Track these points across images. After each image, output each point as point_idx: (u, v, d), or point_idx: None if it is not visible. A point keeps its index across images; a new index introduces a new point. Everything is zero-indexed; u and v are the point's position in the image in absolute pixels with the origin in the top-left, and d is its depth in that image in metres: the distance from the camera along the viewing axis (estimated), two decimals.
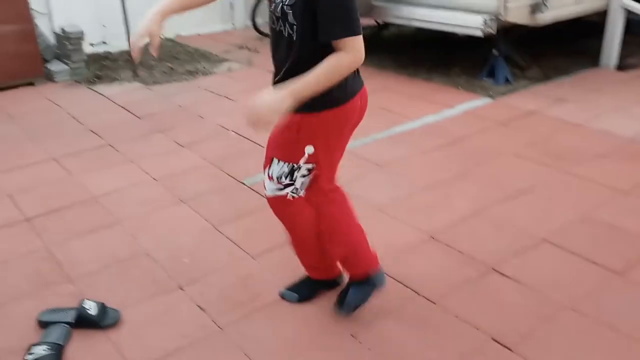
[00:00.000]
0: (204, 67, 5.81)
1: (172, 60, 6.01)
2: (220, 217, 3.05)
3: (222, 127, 4.27)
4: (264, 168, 2.16)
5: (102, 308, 2.37)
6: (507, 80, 4.96)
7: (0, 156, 3.89)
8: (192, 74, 5.64)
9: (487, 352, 2.11)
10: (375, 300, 2.31)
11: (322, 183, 2.17)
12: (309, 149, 2.03)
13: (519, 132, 4.03)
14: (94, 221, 3.06)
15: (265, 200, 2.21)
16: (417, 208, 3.09)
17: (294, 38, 1.87)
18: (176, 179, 3.49)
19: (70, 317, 2.33)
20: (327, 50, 1.82)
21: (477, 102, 4.60)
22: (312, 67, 1.81)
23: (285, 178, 2.09)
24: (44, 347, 2.17)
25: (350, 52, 1.81)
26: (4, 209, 3.21)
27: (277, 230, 2.42)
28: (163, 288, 2.53)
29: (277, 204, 2.20)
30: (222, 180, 3.46)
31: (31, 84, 5.38)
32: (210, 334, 2.26)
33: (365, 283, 2.31)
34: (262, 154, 2.18)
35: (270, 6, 1.92)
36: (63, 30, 5.67)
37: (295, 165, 2.06)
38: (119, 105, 4.84)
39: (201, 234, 2.92)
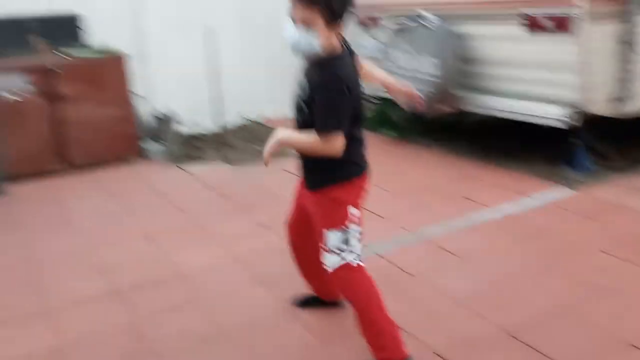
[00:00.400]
0: (289, 150, 6.02)
1: (258, 142, 6.27)
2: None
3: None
4: (320, 248, 2.38)
5: None
6: (589, 170, 4.85)
7: (99, 230, 4.17)
8: (277, 155, 5.84)
9: None
10: None
11: None
12: (351, 209, 2.31)
13: (604, 226, 3.91)
14: (177, 298, 3.19)
15: None
16: (496, 303, 3.03)
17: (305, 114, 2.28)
18: (255, 259, 3.60)
19: None
20: None
21: (558, 193, 4.51)
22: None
23: (343, 244, 2.30)
24: None
25: (323, 143, 2.19)
26: (96, 281, 3.41)
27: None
28: None
29: (343, 276, 2.35)
30: None
31: (126, 161, 5.76)
32: None
33: None
34: None
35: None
36: (159, 113, 6.10)
37: (346, 228, 2.30)
38: (206, 184, 5.09)
39: (276, 315, 2.98)
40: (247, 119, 6.93)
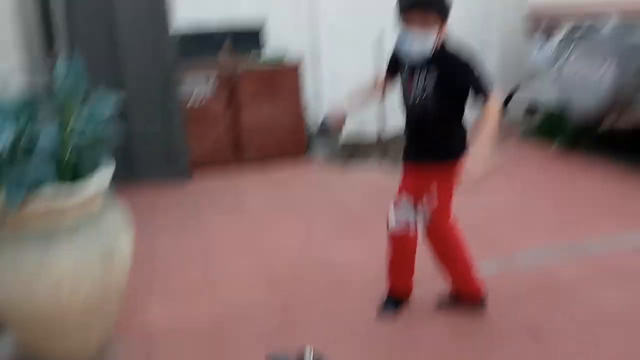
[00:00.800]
0: None
1: None
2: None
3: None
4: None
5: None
6: None
7: (266, 217, 4.56)
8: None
9: None
10: None
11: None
12: None
13: None
14: (324, 284, 3.40)
15: None
16: None
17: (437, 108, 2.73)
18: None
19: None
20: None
21: None
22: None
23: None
24: None
25: (494, 105, 2.56)
26: (256, 263, 3.74)
27: None
28: None
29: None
30: None
31: (293, 161, 6.16)
32: None
33: None
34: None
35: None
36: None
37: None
38: (366, 185, 5.30)
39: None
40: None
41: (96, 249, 2.52)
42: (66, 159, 2.50)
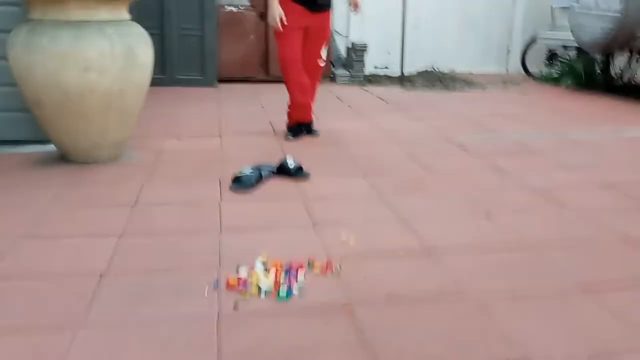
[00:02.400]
0: (461, 86, 6.34)
1: (436, 82, 6.67)
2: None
3: (456, 112, 4.73)
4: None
5: (299, 166, 3.00)
6: None
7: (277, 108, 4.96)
8: (449, 88, 6.22)
9: None
10: None
11: None
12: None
13: None
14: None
15: None
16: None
17: None
18: (402, 134, 4.06)
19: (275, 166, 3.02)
20: None
21: None
22: None
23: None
24: (249, 168, 2.88)
25: None
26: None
27: None
28: None
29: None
30: (443, 143, 3.92)
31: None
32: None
33: None
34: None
35: None
36: (352, 44, 6.81)
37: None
38: (376, 96, 5.65)
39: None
40: (432, 68, 7.31)
41: (119, 46, 2.94)
42: None
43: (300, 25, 3.65)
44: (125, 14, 3.11)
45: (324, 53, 3.79)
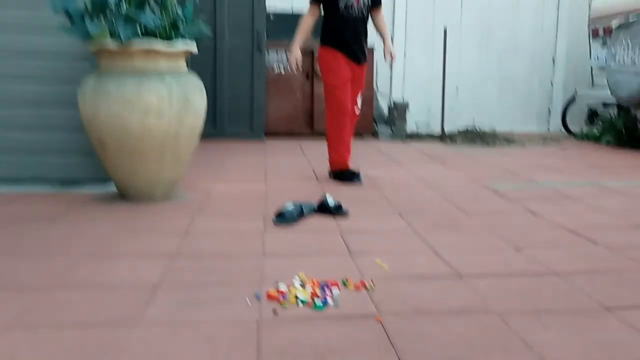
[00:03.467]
0: (501, 143, 6.48)
1: (476, 139, 6.82)
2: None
3: (494, 164, 4.86)
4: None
5: (339, 205, 3.18)
6: None
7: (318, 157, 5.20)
8: (488, 144, 6.36)
9: None
10: None
11: None
12: None
13: None
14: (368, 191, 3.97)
15: None
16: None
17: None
18: (439, 181, 4.22)
19: (315, 205, 3.21)
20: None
21: None
22: None
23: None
24: (291, 204, 3.08)
25: None
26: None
27: None
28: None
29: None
30: (479, 190, 4.06)
31: (360, 135, 6.79)
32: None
33: None
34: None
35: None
36: (394, 103, 7.07)
37: None
38: (417, 149, 5.84)
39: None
40: (473, 127, 7.49)
41: (176, 93, 3.24)
42: (167, 22, 3.27)
43: (348, 75, 4.02)
44: (183, 65, 3.43)
45: (359, 101, 4.17)
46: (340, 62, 3.96)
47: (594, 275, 2.26)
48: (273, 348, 1.62)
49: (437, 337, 1.70)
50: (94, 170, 3.72)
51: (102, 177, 3.67)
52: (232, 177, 4.21)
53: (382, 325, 1.77)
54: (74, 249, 2.47)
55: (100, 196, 3.51)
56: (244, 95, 6.33)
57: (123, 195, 3.48)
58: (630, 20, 5.56)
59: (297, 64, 4.05)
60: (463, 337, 1.71)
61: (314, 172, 4.42)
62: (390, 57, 4.11)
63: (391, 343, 1.66)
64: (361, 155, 5.25)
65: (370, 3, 4.01)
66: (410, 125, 7.24)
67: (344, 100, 3.97)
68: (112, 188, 3.63)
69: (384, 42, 4.15)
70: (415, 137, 6.93)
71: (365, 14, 4.02)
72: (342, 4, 3.91)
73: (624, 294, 2.06)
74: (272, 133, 6.53)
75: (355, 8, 3.94)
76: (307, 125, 6.72)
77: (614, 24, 5.95)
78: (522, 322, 1.81)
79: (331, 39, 3.98)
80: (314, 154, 5.26)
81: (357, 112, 4.19)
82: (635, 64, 5.38)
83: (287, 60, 4.10)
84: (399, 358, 1.58)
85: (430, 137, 7.01)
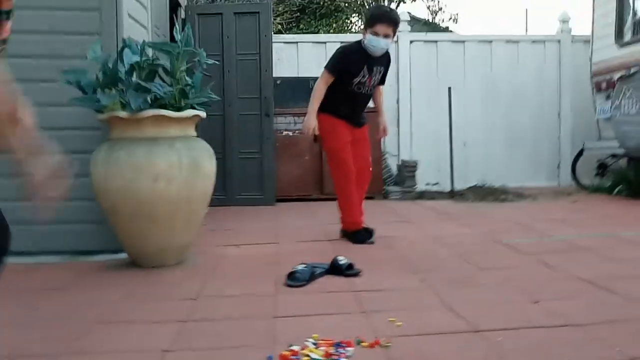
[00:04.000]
0: (511, 198, 6.45)
1: (487, 195, 6.80)
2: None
3: (506, 219, 4.83)
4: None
5: (350, 264, 3.16)
6: None
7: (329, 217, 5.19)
8: (499, 200, 6.34)
9: None
10: None
11: None
12: None
13: None
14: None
15: None
16: None
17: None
18: (451, 238, 4.20)
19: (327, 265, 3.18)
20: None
21: None
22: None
23: None
24: (303, 265, 3.06)
25: None
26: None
27: None
28: None
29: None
30: (492, 245, 4.03)
31: (372, 197, 6.78)
32: None
33: None
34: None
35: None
36: (403, 162, 7.12)
37: None
38: (427, 208, 5.84)
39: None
40: (483, 183, 7.49)
41: (186, 158, 3.29)
42: (176, 90, 3.36)
43: (349, 140, 4.08)
44: (192, 131, 3.50)
45: (370, 160, 4.28)
46: (339, 126, 4.07)
47: (614, 325, 2.20)
48: None
49: None
50: (106, 241, 3.72)
51: (114, 247, 3.67)
52: (244, 241, 4.20)
53: None
54: (84, 317, 2.45)
55: (112, 264, 3.50)
56: (254, 160, 6.40)
57: (135, 263, 3.47)
58: (632, 71, 5.64)
59: (313, 133, 4.12)
60: None
61: (326, 234, 4.40)
62: (383, 133, 4.37)
63: None
64: (372, 215, 5.21)
65: (379, 82, 4.20)
66: (420, 185, 7.25)
67: (347, 161, 4.04)
68: (123, 256, 3.63)
69: (378, 116, 4.35)
70: (426, 195, 6.93)
71: (372, 92, 4.21)
72: (355, 81, 4.03)
73: None
74: (283, 197, 6.55)
75: (366, 86, 4.10)
76: (317, 187, 6.75)
77: (616, 76, 6.03)
78: None
79: (332, 109, 4.05)
80: (325, 216, 5.24)
81: (370, 168, 4.30)
82: None
83: (303, 128, 4.20)
84: None
85: (440, 194, 7.00)
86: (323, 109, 4.05)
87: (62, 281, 3.09)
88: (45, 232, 3.73)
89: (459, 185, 7.15)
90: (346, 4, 14.02)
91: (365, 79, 4.07)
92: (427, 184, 7.56)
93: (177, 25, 3.66)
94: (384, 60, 4.16)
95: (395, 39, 4.19)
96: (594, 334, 2.10)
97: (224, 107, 6.31)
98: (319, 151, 6.68)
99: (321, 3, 13.44)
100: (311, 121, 4.04)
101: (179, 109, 3.37)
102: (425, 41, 7.81)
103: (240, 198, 6.35)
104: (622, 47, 6.31)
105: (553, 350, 1.95)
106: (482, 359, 1.90)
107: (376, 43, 3.95)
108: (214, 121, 6.20)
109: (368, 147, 4.26)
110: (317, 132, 4.09)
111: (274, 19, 12.33)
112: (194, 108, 3.44)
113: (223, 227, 4.80)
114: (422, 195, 6.87)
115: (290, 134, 6.69)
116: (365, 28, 4.07)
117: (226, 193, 6.30)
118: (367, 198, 6.55)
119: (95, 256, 3.70)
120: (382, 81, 4.25)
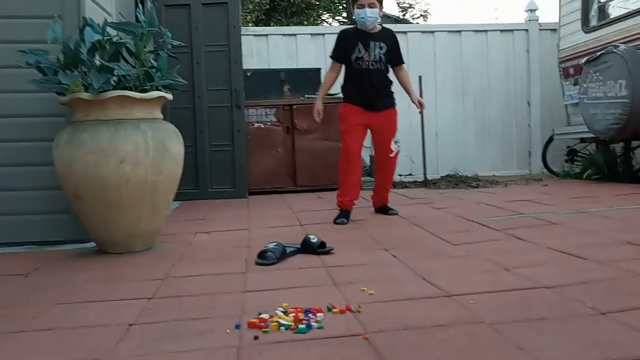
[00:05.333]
0: (483, 185, 6.48)
1: (459, 182, 6.83)
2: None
3: (478, 201, 4.83)
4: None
5: (322, 242, 3.11)
6: None
7: (302, 207, 5.14)
8: (471, 186, 6.36)
9: None
10: None
11: None
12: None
13: None
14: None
15: None
16: None
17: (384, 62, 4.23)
18: (423, 219, 4.19)
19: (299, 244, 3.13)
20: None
21: None
22: None
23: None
24: (274, 244, 3.00)
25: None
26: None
27: None
28: None
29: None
30: (464, 223, 4.02)
31: None
32: None
33: None
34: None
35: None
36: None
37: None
38: (400, 194, 5.82)
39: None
40: (455, 173, 7.52)
41: (152, 141, 3.21)
42: (141, 72, 3.28)
43: (359, 122, 4.16)
44: (158, 114, 3.42)
45: (393, 146, 4.30)
46: (351, 111, 4.19)
47: (586, 285, 2.19)
48: None
49: (428, 349, 1.61)
50: (73, 230, 3.63)
51: (82, 237, 3.57)
52: (214, 228, 4.12)
53: (370, 342, 1.68)
54: (45, 298, 2.36)
55: (77, 252, 3.41)
56: (225, 153, 6.31)
57: (101, 250, 3.38)
58: (598, 54, 5.70)
59: (319, 116, 4.26)
60: (455, 346, 1.62)
61: (298, 220, 4.34)
62: (419, 106, 4.42)
63: (380, 357, 1.57)
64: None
65: (384, 58, 4.15)
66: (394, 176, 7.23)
67: (348, 142, 4.14)
68: (91, 245, 3.54)
69: (410, 96, 4.38)
70: (399, 185, 6.92)
71: (381, 67, 4.16)
72: (352, 57, 4.13)
73: (620, 299, 1.99)
74: (256, 190, 6.48)
75: (366, 61, 4.11)
76: (291, 179, 6.68)
77: (583, 61, 6.10)
78: (514, 330, 1.73)
79: (348, 96, 4.25)
80: (299, 207, 5.19)
81: (392, 155, 4.31)
82: (607, 96, 5.48)
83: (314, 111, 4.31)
84: None
85: (413, 183, 7.01)
86: (343, 97, 4.31)
87: (23, 268, 2.98)
88: (10, 222, 3.63)
89: (432, 176, 7.17)
90: (317, 1, 14.01)
91: (362, 54, 4.11)
92: (400, 175, 7.56)
93: (139, 7, 3.57)
94: (384, 36, 4.18)
95: (382, 10, 4.18)
96: (566, 294, 2.09)
97: (193, 99, 6.23)
98: (292, 143, 6.63)
99: (292, 1, 13.41)
100: (317, 105, 4.27)
101: (144, 92, 3.30)
102: (396, 32, 7.78)
103: (212, 192, 6.26)
104: (588, 32, 6.38)
105: (525, 310, 1.93)
106: (454, 319, 1.87)
107: (362, 14, 4.03)
108: (184, 113, 6.12)
109: (389, 136, 4.26)
110: (321, 116, 4.25)
111: (244, 18, 12.25)
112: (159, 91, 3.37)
113: (194, 218, 4.72)
114: (396, 185, 6.85)
115: (262, 126, 6.61)
116: (352, 6, 4.18)
117: (198, 187, 6.22)
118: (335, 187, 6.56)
119: (62, 246, 3.60)
120: (393, 59, 4.23)
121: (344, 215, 4.15)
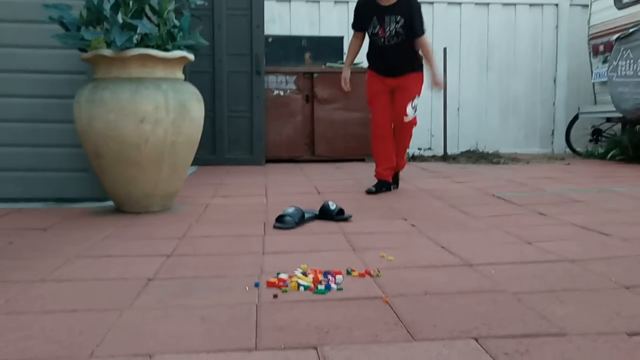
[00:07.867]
0: (504, 161, 6.40)
1: (480, 159, 6.74)
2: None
3: (499, 177, 4.77)
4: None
5: (341, 209, 3.09)
6: None
7: (320, 177, 5.10)
8: (492, 162, 6.28)
9: None
10: None
11: None
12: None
13: None
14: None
15: None
16: None
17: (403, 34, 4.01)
18: (443, 192, 4.13)
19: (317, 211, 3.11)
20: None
21: None
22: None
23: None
24: (293, 208, 2.98)
25: (427, 39, 4.07)
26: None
27: None
28: None
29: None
30: (484, 197, 3.96)
31: (362, 160, 6.70)
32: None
33: None
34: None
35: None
36: None
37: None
38: (420, 168, 5.76)
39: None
40: (476, 148, 7.44)
41: (173, 101, 3.18)
42: (163, 32, 3.24)
43: (381, 89, 4.12)
44: (179, 74, 3.39)
45: (409, 110, 4.06)
46: (371, 78, 4.19)
47: (610, 260, 2.15)
48: (272, 325, 1.51)
49: (448, 313, 1.59)
50: (92, 189, 3.65)
51: (100, 195, 3.59)
52: (232, 193, 4.12)
53: (390, 305, 1.66)
54: (65, 252, 2.37)
55: (96, 210, 3.42)
56: (243, 119, 6.29)
57: (119, 209, 3.39)
58: (631, 31, 5.54)
59: (346, 84, 4.23)
60: (476, 312, 1.59)
61: (316, 189, 4.32)
62: (436, 86, 4.08)
63: (399, 319, 1.55)
64: (364, 176, 5.16)
65: (402, 31, 3.94)
66: (413, 150, 7.18)
67: (374, 113, 4.16)
68: (110, 204, 3.55)
69: (429, 69, 4.11)
70: (419, 158, 6.86)
71: (397, 41, 3.98)
72: (369, 31, 4.07)
73: None
74: (273, 158, 6.46)
75: (381, 37, 4.00)
76: (309, 149, 6.65)
77: (614, 38, 5.94)
78: (537, 299, 1.70)
79: (369, 58, 4.21)
80: (316, 175, 5.17)
81: (406, 120, 4.08)
82: (638, 74, 5.34)
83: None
84: (407, 331, 1.47)
85: (433, 157, 6.95)
86: (368, 64, 4.26)
87: (43, 223, 3.00)
88: (29, 179, 3.65)
89: (452, 151, 7.09)
90: None
91: (377, 29, 3.99)
92: (420, 149, 7.50)
93: None
94: (401, 8, 3.92)
95: None
96: (589, 268, 2.05)
97: (213, 63, 6.18)
98: (311, 112, 6.58)
99: None
100: (344, 73, 4.26)
101: (166, 51, 3.26)
102: (421, 2, 7.64)
103: (229, 158, 6.25)
104: (621, 9, 6.20)
105: (548, 281, 1.90)
106: (476, 287, 1.84)
107: None
108: (204, 78, 6.08)
109: (405, 96, 4.04)
110: (349, 85, 4.24)
111: None
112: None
113: (211, 182, 4.72)
114: (415, 158, 6.81)
115: (282, 93, 6.56)
116: None
117: (215, 152, 6.21)
118: (358, 160, 6.54)
119: (80, 204, 3.61)
120: (410, 32, 3.94)
121: (378, 185, 4.10)
